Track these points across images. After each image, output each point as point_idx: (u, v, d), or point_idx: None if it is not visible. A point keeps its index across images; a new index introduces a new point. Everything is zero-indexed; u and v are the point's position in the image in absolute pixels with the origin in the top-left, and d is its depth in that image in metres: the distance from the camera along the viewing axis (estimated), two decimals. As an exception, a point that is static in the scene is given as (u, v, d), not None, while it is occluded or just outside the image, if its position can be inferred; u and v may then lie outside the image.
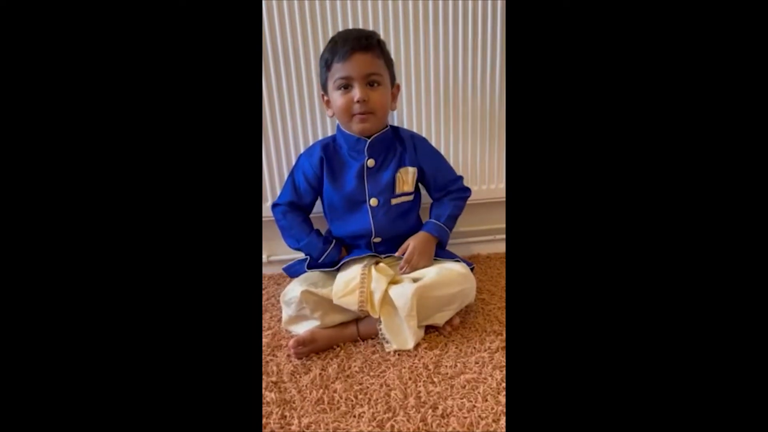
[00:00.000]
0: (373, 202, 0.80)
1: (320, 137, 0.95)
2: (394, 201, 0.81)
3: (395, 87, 0.82)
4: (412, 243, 0.80)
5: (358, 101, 0.73)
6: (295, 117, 0.94)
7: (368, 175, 0.80)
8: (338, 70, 0.73)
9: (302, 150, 0.95)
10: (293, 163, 0.96)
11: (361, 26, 0.89)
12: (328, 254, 0.80)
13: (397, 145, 0.83)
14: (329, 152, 0.82)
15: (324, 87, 0.80)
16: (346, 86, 0.74)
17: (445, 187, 0.86)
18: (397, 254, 0.81)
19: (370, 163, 0.80)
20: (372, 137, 0.79)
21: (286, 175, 0.96)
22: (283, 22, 0.87)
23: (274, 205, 0.86)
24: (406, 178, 0.82)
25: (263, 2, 0.85)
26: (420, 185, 0.87)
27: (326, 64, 0.76)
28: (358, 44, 0.73)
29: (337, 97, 0.75)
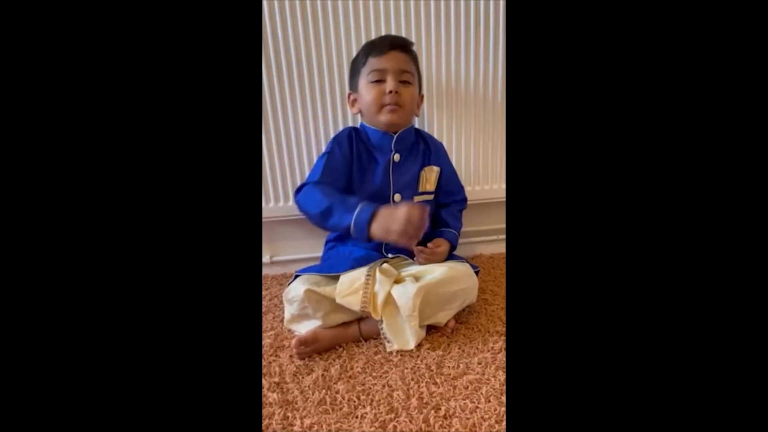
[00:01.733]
0: (397, 197, 0.82)
1: (321, 136, 0.95)
2: (417, 199, 0.83)
3: (420, 96, 0.87)
4: (444, 247, 0.81)
5: (390, 92, 0.76)
6: (297, 117, 0.94)
7: (394, 170, 0.81)
8: (374, 64, 0.77)
9: (303, 149, 0.96)
10: (294, 163, 0.96)
11: (362, 27, 0.90)
12: (358, 213, 0.65)
13: (421, 144, 0.86)
14: (359, 139, 0.82)
15: (352, 85, 0.83)
16: (378, 80, 0.77)
17: (453, 194, 0.91)
18: (429, 246, 0.79)
19: (396, 157, 0.81)
20: (398, 132, 0.81)
21: (287, 174, 0.97)
22: (285, 22, 0.88)
23: (298, 190, 0.75)
24: (430, 177, 0.85)
25: (264, 2, 0.86)
26: None
27: (362, 62, 0.79)
28: (397, 43, 0.79)
29: (368, 90, 0.78)
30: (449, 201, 0.90)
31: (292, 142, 0.95)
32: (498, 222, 1.10)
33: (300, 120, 0.94)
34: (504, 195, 1.04)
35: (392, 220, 0.62)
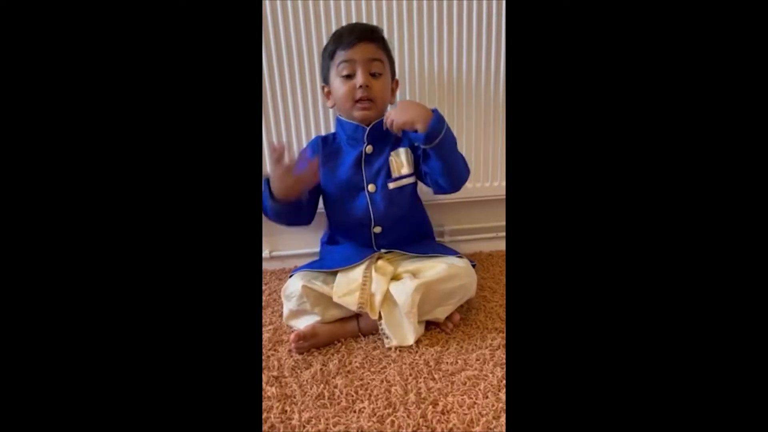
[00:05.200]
0: (371, 188, 0.80)
1: (322, 131, 0.95)
2: (391, 185, 0.81)
3: (394, 82, 0.84)
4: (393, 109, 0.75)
5: (360, 86, 0.75)
6: (298, 111, 0.94)
7: (365, 161, 0.80)
8: (342, 56, 0.76)
9: (304, 145, 0.96)
10: (294, 158, 0.96)
11: (363, 22, 0.89)
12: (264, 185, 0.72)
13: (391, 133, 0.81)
14: (327, 142, 0.84)
15: (325, 78, 0.82)
16: (348, 75, 0.76)
17: None
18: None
19: (369, 149, 0.80)
20: (372, 124, 0.79)
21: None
22: (287, 18, 0.87)
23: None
24: (399, 159, 0.81)
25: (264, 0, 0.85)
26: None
27: (330, 54, 0.78)
28: (364, 35, 0.76)
29: (339, 85, 0.77)
30: None
31: (293, 137, 0.95)
32: (497, 219, 1.10)
33: (301, 115, 0.94)
34: (503, 192, 1.04)
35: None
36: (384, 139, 0.81)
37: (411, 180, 0.82)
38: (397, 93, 0.90)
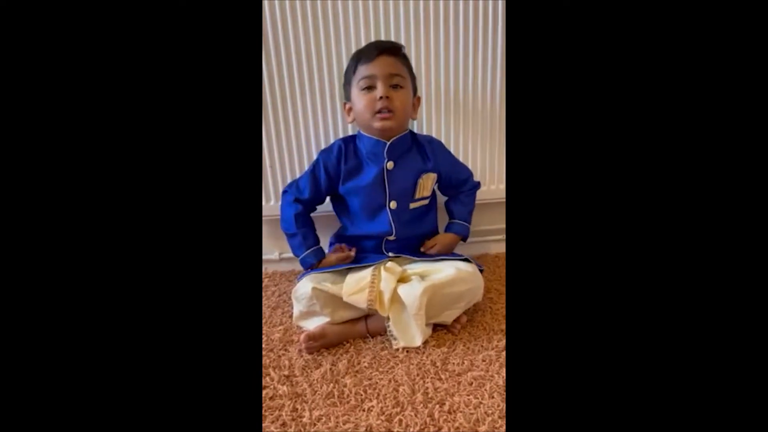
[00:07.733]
0: (393, 204, 0.82)
1: (321, 136, 0.96)
2: (412, 205, 0.84)
3: (416, 98, 0.85)
4: (439, 243, 0.86)
5: (381, 98, 0.76)
6: (307, 115, 0.95)
7: (388, 177, 0.81)
8: (363, 71, 0.77)
9: (303, 149, 0.97)
10: (294, 162, 0.97)
11: (362, 26, 0.90)
12: (306, 255, 0.83)
13: (416, 150, 0.85)
14: (348, 150, 0.84)
15: (347, 96, 0.83)
16: (369, 87, 0.77)
17: (459, 186, 0.91)
18: (424, 249, 0.86)
19: (390, 165, 0.81)
20: (392, 140, 0.81)
21: (297, 173, 0.98)
22: (285, 21, 0.88)
23: (285, 192, 0.88)
24: (427, 183, 0.84)
25: (264, 2, 0.86)
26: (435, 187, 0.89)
27: (352, 70, 0.80)
28: (385, 47, 0.78)
29: (360, 98, 0.78)
30: (456, 192, 0.91)
31: (302, 141, 0.96)
32: (503, 222, 1.11)
33: (309, 118, 0.95)
34: (509, 195, 1.05)
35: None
36: (405, 155, 0.83)
37: (427, 201, 0.86)
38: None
